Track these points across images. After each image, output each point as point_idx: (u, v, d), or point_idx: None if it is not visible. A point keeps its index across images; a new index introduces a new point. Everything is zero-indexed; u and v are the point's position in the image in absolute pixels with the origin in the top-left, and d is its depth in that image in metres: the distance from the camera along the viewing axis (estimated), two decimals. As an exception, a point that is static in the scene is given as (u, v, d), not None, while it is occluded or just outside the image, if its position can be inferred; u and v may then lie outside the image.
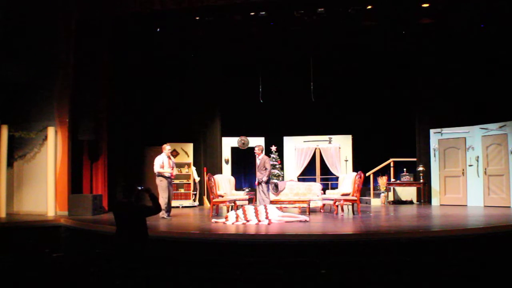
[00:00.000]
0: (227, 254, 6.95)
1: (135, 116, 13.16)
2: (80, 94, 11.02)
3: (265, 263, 5.91)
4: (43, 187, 10.60)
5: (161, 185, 9.82)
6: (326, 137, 14.96)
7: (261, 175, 10.30)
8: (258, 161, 10.43)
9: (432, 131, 12.96)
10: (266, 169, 10.29)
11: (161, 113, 13.65)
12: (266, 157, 10.62)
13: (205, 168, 14.08)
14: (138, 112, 13.29)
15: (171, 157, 10.25)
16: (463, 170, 12.32)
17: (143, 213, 5.63)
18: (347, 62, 13.97)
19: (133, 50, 12.47)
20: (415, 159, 13.56)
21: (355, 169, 13.84)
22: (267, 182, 10.35)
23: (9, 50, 10.45)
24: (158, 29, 11.87)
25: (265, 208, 9.26)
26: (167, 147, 10.08)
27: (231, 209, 10.36)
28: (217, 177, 11.41)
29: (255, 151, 10.59)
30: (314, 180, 14.74)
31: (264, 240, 7.45)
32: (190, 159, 13.86)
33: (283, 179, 13.81)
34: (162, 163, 9.85)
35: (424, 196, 12.99)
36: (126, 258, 5.29)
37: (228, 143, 14.92)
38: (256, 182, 10.45)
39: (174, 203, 13.32)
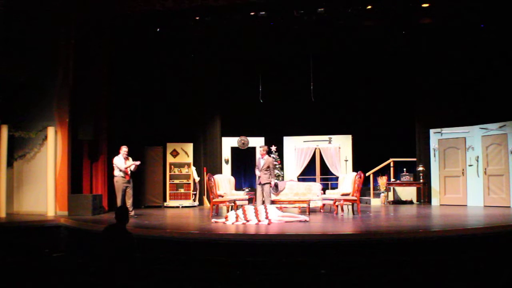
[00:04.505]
0: (227, 254, 6.94)
1: (135, 116, 13.17)
2: (80, 94, 11.02)
3: (265, 263, 5.91)
4: (43, 187, 10.60)
5: (116, 185, 10.07)
6: (326, 137, 14.95)
7: (265, 176, 10.34)
8: (262, 162, 10.47)
9: (432, 131, 12.96)
10: (269, 169, 10.40)
11: (161, 113, 13.66)
12: (271, 159, 10.72)
13: (205, 168, 14.09)
14: (138, 112, 13.30)
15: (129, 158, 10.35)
16: (463, 170, 12.32)
17: (131, 246, 5.45)
18: (347, 62, 13.99)
19: (133, 50, 12.48)
20: (415, 159, 13.56)
21: (355, 169, 13.83)
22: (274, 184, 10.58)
23: (9, 49, 10.45)
24: (158, 29, 11.87)
25: (265, 208, 9.26)
26: (123, 149, 10.19)
27: (231, 209, 10.37)
28: (217, 177, 11.41)
29: (260, 151, 10.64)
30: (314, 180, 14.74)
31: (264, 240, 7.45)
32: (190, 159, 13.87)
33: (283, 179, 13.80)
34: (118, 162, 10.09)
35: (424, 196, 12.99)
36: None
37: (228, 143, 14.92)
38: (258, 182, 10.48)
39: (174, 203, 13.42)
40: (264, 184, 10.37)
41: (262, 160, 10.50)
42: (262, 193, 10.38)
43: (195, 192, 13.90)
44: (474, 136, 12.11)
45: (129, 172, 10.16)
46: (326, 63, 13.94)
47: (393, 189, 13.62)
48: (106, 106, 11.43)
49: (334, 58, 13.93)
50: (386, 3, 10.82)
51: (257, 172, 10.50)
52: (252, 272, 5.18)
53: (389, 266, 5.66)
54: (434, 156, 12.85)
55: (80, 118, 10.93)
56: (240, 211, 9.21)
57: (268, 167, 10.40)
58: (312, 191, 11.44)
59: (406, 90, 13.67)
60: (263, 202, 10.21)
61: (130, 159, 10.29)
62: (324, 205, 11.25)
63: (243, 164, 15.02)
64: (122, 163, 10.03)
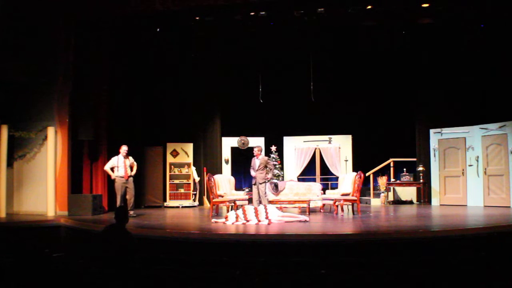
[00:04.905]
0: (227, 254, 6.94)
1: (135, 116, 13.17)
2: (80, 94, 11.03)
3: (265, 263, 5.91)
4: (43, 187, 10.61)
5: (115, 185, 10.23)
6: (326, 137, 14.95)
7: (261, 176, 10.34)
8: (257, 162, 10.44)
9: (432, 131, 12.95)
10: (269, 169, 10.47)
11: (161, 113, 13.67)
12: (266, 157, 10.73)
13: (205, 168, 14.09)
14: (138, 112, 13.30)
15: (129, 157, 10.42)
16: (463, 170, 12.32)
17: (131, 246, 5.44)
18: (347, 62, 13.99)
19: (133, 50, 12.48)
20: (415, 159, 13.56)
21: (355, 169, 13.83)
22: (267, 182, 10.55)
23: (9, 49, 10.45)
24: (158, 29, 11.87)
25: (265, 208, 9.26)
26: (123, 148, 10.30)
27: (231, 209, 10.37)
28: (217, 177, 11.41)
29: (254, 152, 10.60)
30: (314, 180, 14.74)
31: (264, 240, 7.45)
32: (190, 159, 13.87)
33: (283, 179, 13.81)
34: (113, 164, 10.19)
35: (424, 196, 12.99)
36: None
37: (228, 143, 14.92)
38: (254, 182, 10.47)
39: (174, 203, 13.42)
40: (261, 183, 10.36)
41: (257, 160, 10.48)
42: (258, 193, 10.38)
43: (195, 192, 13.90)
44: (474, 136, 12.11)
45: (129, 173, 10.21)
46: (326, 63, 13.93)
47: (393, 189, 13.62)
48: (106, 106, 11.43)
49: (334, 58, 13.91)
50: (386, 3, 10.81)
51: (253, 173, 10.48)
52: (252, 272, 5.17)
53: (389, 266, 5.66)
54: (434, 156, 12.85)
55: (80, 118, 10.94)
56: (240, 211, 9.21)
57: (265, 166, 10.41)
58: (312, 191, 11.44)
59: (406, 90, 13.66)
60: (260, 202, 10.20)
61: (131, 158, 10.36)
62: (324, 205, 11.25)
63: (243, 164, 14.99)
64: (109, 164, 10.22)
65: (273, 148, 14.34)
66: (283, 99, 14.30)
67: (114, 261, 5.21)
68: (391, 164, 13.80)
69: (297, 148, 15.01)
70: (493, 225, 8.13)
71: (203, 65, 13.93)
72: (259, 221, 8.87)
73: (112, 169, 10.21)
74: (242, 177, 15.19)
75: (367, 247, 7.05)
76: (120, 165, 10.17)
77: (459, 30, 11.97)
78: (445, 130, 12.72)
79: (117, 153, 10.31)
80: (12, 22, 10.46)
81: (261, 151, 10.69)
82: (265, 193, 10.43)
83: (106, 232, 5.57)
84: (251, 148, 14.67)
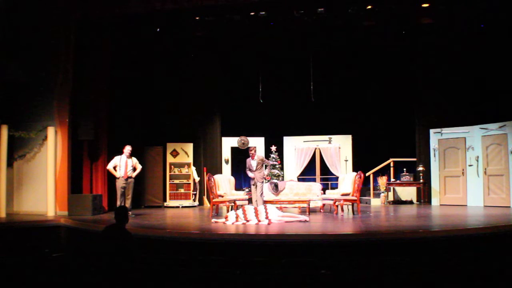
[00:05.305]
0: (227, 254, 6.94)
1: (135, 116, 13.17)
2: (80, 94, 11.03)
3: (265, 263, 5.91)
4: (43, 187, 10.61)
5: (116, 184, 10.24)
6: (326, 137, 14.95)
7: (260, 175, 10.34)
8: (254, 163, 10.42)
9: (432, 131, 12.96)
10: (266, 165, 10.54)
11: (161, 113, 13.67)
12: (261, 156, 10.81)
13: (205, 168, 14.09)
14: (138, 112, 13.30)
15: (132, 158, 10.43)
16: (463, 170, 12.32)
17: (131, 247, 5.44)
18: (347, 62, 13.99)
19: (133, 50, 12.47)
20: (415, 159, 13.56)
21: (355, 169, 13.84)
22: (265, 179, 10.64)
23: (9, 50, 10.45)
24: (158, 29, 11.88)
25: (265, 208, 9.27)
26: (127, 148, 10.31)
27: (231, 209, 10.37)
28: (217, 177, 11.42)
29: (251, 153, 10.56)
30: (314, 180, 14.74)
31: (264, 240, 7.45)
32: (190, 159, 13.87)
33: (283, 179, 13.80)
34: (116, 163, 10.22)
35: (424, 196, 12.99)
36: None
37: (228, 143, 14.92)
38: (253, 182, 10.45)
39: (174, 203, 13.41)
40: (260, 182, 10.36)
41: (253, 161, 10.45)
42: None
43: (195, 192, 13.90)
44: (474, 136, 12.11)
45: (129, 173, 10.21)
46: (326, 63, 13.93)
47: (393, 189, 13.62)
48: (106, 106, 11.43)
49: (334, 58, 13.92)
50: (386, 3, 10.81)
51: (250, 174, 10.46)
52: (252, 272, 5.17)
53: (389, 266, 5.65)
54: (434, 156, 12.85)
55: (80, 118, 10.94)
56: (240, 211, 9.22)
57: (262, 165, 10.44)
58: (312, 191, 11.45)
59: (406, 90, 13.66)
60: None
61: (135, 159, 10.37)
62: (324, 205, 11.25)
63: (243, 164, 14.96)
64: (111, 163, 10.23)
65: (273, 148, 14.34)
66: (283, 99, 14.30)
67: (114, 261, 5.20)
68: (391, 164, 13.80)
69: (297, 148, 15.01)
70: (493, 225, 8.13)
71: (203, 65, 13.93)
72: (259, 221, 8.87)
73: (115, 168, 10.20)
74: (242, 177, 15.17)
75: (367, 247, 7.05)
76: (122, 165, 10.17)
77: (459, 30, 11.96)
78: (445, 130, 12.72)
79: (119, 152, 10.31)
80: (12, 21, 10.46)
81: (255, 151, 10.68)
82: (261, 193, 10.39)
83: (106, 232, 5.57)
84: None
